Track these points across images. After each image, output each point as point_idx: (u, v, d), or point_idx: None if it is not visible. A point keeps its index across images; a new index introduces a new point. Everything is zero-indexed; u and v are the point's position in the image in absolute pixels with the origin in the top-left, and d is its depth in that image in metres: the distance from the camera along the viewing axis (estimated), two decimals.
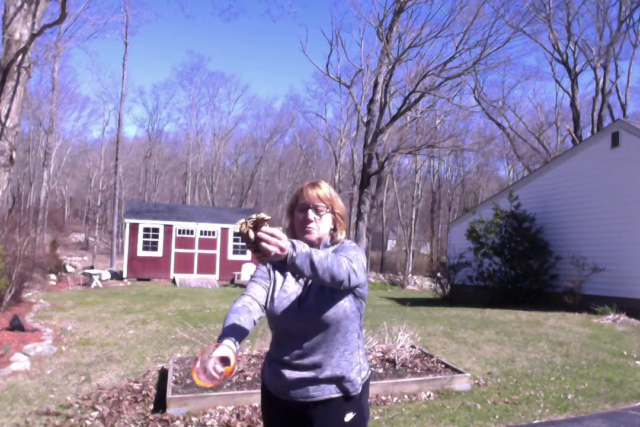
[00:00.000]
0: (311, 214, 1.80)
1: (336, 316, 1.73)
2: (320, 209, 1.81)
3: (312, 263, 1.47)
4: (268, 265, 1.90)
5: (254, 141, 50.66)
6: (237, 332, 1.64)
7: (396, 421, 4.00)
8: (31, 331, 7.17)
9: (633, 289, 9.68)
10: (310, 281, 1.79)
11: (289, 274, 1.85)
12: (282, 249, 1.42)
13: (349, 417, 1.75)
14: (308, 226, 1.80)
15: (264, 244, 1.40)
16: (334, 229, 1.87)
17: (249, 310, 1.75)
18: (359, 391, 1.79)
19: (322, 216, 1.81)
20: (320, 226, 1.82)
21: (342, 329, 1.76)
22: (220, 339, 1.59)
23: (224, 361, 1.45)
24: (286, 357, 1.77)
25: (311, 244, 1.80)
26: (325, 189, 1.84)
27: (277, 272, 1.88)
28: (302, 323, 1.74)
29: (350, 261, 1.60)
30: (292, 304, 1.77)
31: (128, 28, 29.53)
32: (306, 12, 68.54)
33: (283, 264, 1.46)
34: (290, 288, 1.82)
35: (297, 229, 1.84)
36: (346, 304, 1.75)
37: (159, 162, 50.46)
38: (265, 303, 1.82)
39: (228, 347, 1.52)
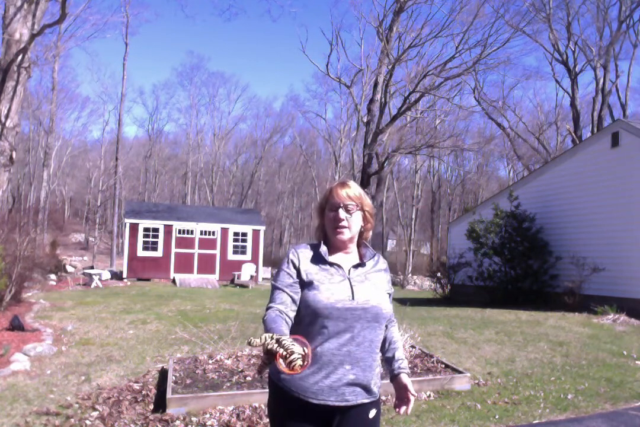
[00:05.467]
0: (342, 213, 1.83)
1: (385, 310, 1.86)
2: (351, 208, 1.84)
3: None
4: (298, 263, 1.82)
5: (253, 141, 50.58)
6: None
7: (396, 421, 4.00)
8: (31, 331, 7.17)
9: (633, 289, 9.68)
10: (351, 275, 1.84)
11: (331, 268, 1.83)
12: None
13: (372, 413, 1.86)
14: (340, 224, 1.83)
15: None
16: (363, 226, 1.92)
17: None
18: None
19: (352, 214, 1.85)
20: (352, 224, 1.85)
21: (382, 327, 1.88)
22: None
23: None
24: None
25: (343, 243, 1.87)
26: (354, 188, 1.88)
27: (313, 267, 1.82)
28: (355, 317, 1.76)
29: (395, 322, 2.11)
30: (344, 297, 1.77)
31: (128, 28, 29.45)
32: (306, 12, 68.55)
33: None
34: (336, 284, 1.79)
35: (329, 228, 1.87)
36: (388, 300, 1.93)
37: (159, 162, 50.41)
38: (298, 308, 1.79)
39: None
